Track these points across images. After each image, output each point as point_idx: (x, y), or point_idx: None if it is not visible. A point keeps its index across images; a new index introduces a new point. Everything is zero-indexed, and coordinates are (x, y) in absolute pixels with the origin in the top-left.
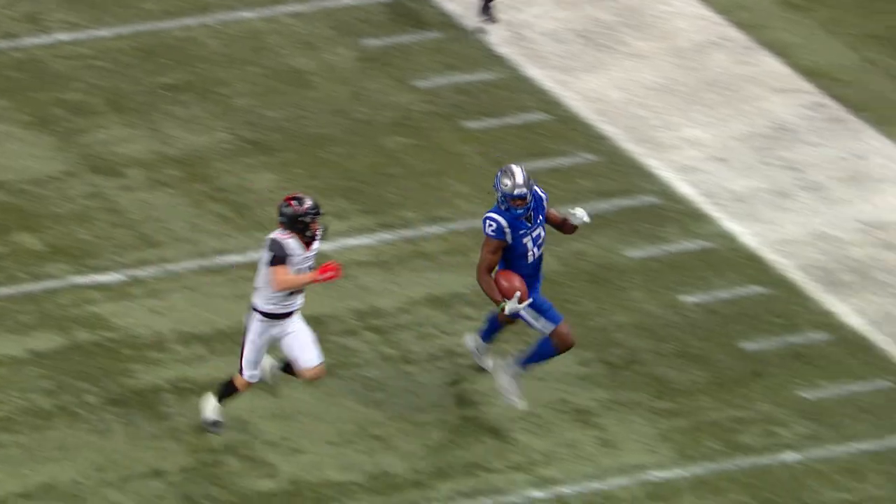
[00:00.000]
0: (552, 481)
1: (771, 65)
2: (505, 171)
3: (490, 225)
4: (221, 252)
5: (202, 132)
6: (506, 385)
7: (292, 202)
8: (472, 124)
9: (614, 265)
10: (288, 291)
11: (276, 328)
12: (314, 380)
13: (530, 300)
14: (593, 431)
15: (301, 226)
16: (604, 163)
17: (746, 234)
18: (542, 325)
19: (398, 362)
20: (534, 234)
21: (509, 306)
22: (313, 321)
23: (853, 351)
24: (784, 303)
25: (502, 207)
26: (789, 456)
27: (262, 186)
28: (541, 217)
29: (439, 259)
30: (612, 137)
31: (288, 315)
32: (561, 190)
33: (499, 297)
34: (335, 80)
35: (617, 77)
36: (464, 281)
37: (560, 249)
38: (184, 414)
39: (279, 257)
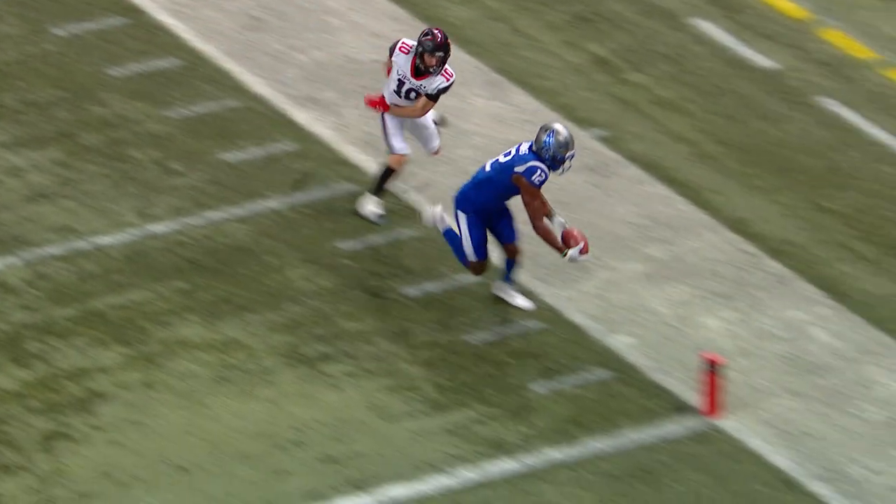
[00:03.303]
0: None
1: None
2: (557, 132)
3: (540, 175)
4: None
5: None
6: (518, 301)
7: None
8: None
9: None
10: None
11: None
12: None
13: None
14: None
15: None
16: None
17: None
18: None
19: None
20: None
21: (571, 253)
22: None
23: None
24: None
25: (546, 164)
26: None
27: None
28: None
29: None
30: None
31: None
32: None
33: (561, 246)
34: None
35: None
36: None
37: None
38: None
39: None
